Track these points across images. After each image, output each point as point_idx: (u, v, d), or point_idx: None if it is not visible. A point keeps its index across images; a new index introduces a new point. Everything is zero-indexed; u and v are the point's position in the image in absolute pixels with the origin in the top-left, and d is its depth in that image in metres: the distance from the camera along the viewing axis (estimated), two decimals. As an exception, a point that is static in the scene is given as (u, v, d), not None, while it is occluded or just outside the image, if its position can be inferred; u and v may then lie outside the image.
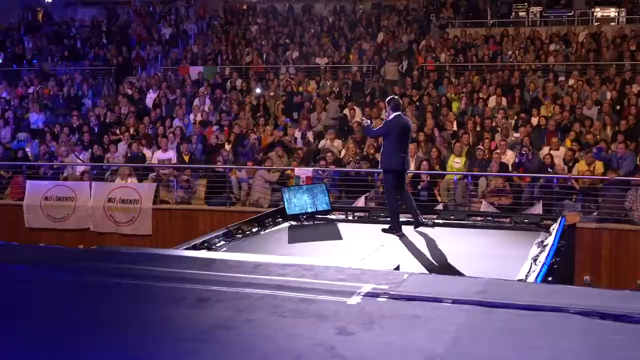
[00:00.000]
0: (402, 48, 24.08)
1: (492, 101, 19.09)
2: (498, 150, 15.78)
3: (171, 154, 17.59)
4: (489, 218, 11.42)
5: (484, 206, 14.24)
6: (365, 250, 8.97)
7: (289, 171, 16.03)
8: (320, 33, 25.91)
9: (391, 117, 10.24)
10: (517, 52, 22.37)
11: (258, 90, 21.48)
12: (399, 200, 10.27)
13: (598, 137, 16.22)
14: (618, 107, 18.10)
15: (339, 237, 10.15)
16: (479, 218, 11.45)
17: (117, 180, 17.11)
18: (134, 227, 16.31)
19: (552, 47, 22.34)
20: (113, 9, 29.69)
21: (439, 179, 15.44)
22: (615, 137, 16.02)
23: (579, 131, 16.57)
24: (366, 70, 23.02)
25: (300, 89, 21.64)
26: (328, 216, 11.37)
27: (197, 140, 18.26)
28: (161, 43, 26.43)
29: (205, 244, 8.97)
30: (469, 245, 9.73)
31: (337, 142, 17.57)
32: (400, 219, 10.19)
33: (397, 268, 6.58)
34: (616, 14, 23.73)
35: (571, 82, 19.67)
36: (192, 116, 19.99)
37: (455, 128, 17.85)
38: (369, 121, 11.54)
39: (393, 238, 9.90)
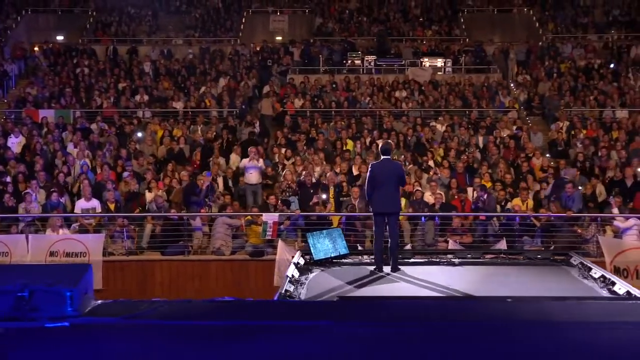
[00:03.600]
0: (249, 93, 25.00)
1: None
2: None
3: (95, 203, 16.68)
4: (503, 256, 12.24)
5: (451, 244, 15.32)
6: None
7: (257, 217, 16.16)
8: (157, 77, 25.79)
9: (380, 160, 11.11)
10: (368, 98, 24.47)
11: (140, 135, 20.91)
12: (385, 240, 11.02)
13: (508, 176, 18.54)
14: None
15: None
16: (490, 255, 12.12)
17: (47, 231, 15.79)
18: (82, 282, 15.16)
19: (397, 93, 24.83)
20: None
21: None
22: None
23: (485, 172, 18.62)
24: (229, 113, 23.37)
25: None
26: (347, 260, 11.67)
27: (112, 187, 17.45)
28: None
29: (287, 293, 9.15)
30: (535, 283, 10.39)
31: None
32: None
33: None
34: (443, 63, 26.98)
35: (439, 127, 22.09)
36: (85, 162, 18.91)
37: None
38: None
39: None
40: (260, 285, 15.68)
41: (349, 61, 27.19)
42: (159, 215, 16.26)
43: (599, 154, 19.33)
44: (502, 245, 15.13)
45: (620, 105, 23.17)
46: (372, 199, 10.99)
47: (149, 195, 17.27)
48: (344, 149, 20.39)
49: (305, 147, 20.27)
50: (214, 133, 21.32)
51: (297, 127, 22.21)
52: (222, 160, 19.42)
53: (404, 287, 10.11)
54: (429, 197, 16.94)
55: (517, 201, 16.91)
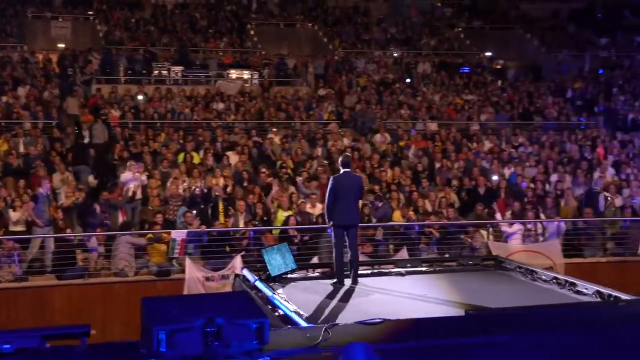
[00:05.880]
0: (55, 103, 23.78)
1: (233, 157, 20.90)
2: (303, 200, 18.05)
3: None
4: (438, 263, 12.95)
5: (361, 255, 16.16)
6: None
7: (165, 235, 15.67)
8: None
9: (340, 173, 11.48)
10: (187, 110, 24.42)
11: None
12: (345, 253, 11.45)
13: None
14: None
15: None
16: (426, 264, 12.78)
17: None
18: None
19: (215, 105, 25.07)
20: None
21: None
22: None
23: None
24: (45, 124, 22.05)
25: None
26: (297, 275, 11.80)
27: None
28: None
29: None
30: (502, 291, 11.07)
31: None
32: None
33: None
34: (249, 75, 27.61)
35: (276, 139, 22.78)
36: None
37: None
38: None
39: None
40: (168, 306, 15.25)
41: (156, 72, 26.79)
42: (52, 237, 15.13)
43: (440, 165, 21.16)
44: (404, 254, 15.96)
45: (430, 118, 25.46)
46: (333, 212, 11.23)
47: (13, 215, 15.94)
48: (192, 162, 20.29)
49: (152, 162, 19.80)
50: (42, 146, 20.08)
51: (130, 139, 21.58)
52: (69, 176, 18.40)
53: (388, 299, 10.35)
54: (311, 209, 17.57)
55: (397, 215, 17.88)
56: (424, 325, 7.55)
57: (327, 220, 11.56)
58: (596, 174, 20.61)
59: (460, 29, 34.99)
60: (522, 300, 10.04)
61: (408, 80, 28.67)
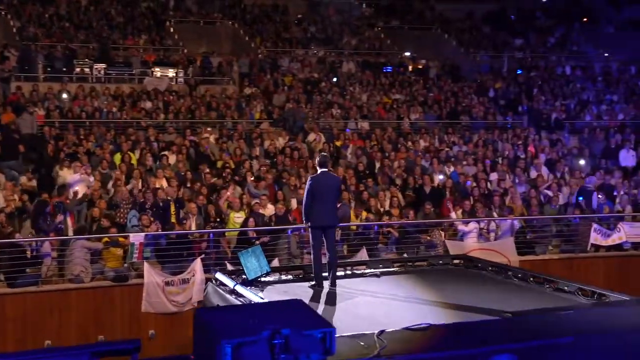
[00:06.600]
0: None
1: (171, 157, 20.38)
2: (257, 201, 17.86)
3: None
4: (409, 263, 13.02)
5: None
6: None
7: (121, 239, 15.11)
8: None
9: (317, 173, 11.26)
10: (115, 109, 23.71)
11: None
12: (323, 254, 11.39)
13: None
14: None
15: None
16: (398, 264, 12.86)
17: None
18: None
19: (143, 104, 24.43)
20: None
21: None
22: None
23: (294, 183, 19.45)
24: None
25: None
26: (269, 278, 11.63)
27: None
28: None
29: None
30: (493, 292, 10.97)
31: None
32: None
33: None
34: (174, 74, 27.01)
35: (211, 138, 22.39)
36: None
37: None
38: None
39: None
40: (127, 313, 14.82)
41: (78, 69, 25.86)
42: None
43: (380, 164, 21.27)
44: (364, 254, 15.89)
45: (362, 118, 25.58)
46: (311, 213, 10.99)
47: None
48: (131, 162, 19.68)
49: (89, 162, 19.09)
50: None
51: (60, 139, 20.75)
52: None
53: (377, 302, 10.30)
54: (262, 210, 17.33)
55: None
56: (473, 330, 7.50)
57: (304, 221, 11.35)
58: (532, 173, 21.15)
59: (379, 29, 35.28)
60: (518, 300, 9.94)
61: (335, 79, 28.64)
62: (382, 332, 7.07)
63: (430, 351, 6.42)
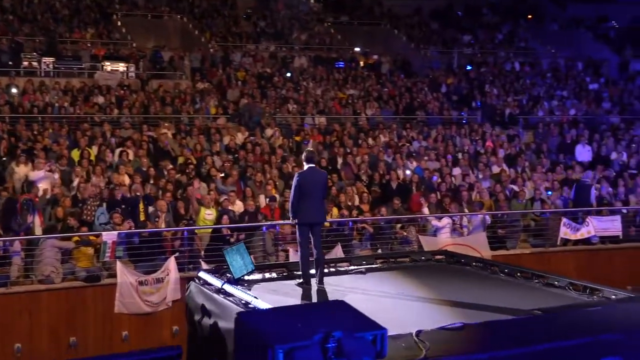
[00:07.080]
0: None
1: (131, 153, 19.89)
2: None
3: None
4: (391, 259, 12.66)
5: (292, 253, 15.22)
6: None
7: (92, 237, 14.65)
8: None
9: (305, 168, 10.93)
10: (67, 103, 23.08)
11: None
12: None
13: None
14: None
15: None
16: (381, 260, 12.57)
17: None
18: None
19: (95, 99, 23.83)
20: None
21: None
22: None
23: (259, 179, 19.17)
24: None
25: None
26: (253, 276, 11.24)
27: None
28: None
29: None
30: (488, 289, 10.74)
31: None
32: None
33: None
34: (125, 68, 26.41)
35: (169, 134, 21.97)
36: None
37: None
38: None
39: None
40: (100, 313, 14.42)
41: (25, 63, 25.10)
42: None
43: (344, 159, 21.15)
44: (338, 251, 15.75)
45: (318, 113, 25.44)
46: (298, 209, 10.74)
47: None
48: (90, 158, 19.16)
49: (46, 158, 18.48)
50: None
51: (12, 135, 20.09)
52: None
53: (368, 299, 9.91)
54: (231, 206, 17.06)
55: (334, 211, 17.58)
56: (508, 329, 7.40)
57: (291, 218, 11.14)
58: (494, 168, 21.32)
59: (329, 24, 35.19)
60: (516, 296, 9.85)
61: (288, 74, 28.44)
62: (419, 332, 6.92)
63: (477, 352, 6.30)
